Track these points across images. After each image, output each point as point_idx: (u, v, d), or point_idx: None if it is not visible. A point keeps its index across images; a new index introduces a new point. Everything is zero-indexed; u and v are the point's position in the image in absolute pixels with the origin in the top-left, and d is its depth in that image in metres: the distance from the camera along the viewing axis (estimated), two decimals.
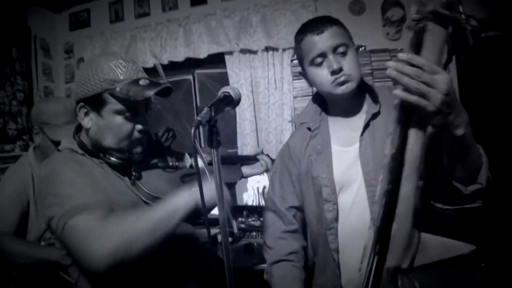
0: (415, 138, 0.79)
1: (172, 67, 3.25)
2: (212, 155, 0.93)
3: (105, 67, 1.17)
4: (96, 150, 1.23)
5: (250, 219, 2.80)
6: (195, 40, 3.11)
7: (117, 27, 3.34)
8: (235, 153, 3.12)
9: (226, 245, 0.95)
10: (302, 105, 2.91)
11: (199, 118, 0.86)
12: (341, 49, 1.24)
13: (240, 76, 3.05)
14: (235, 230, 1.32)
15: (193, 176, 1.37)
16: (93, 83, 1.16)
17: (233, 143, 3.15)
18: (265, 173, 2.70)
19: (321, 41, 1.24)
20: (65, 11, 3.55)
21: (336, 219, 1.30)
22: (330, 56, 1.24)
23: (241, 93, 1.09)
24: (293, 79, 2.91)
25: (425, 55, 0.78)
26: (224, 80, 3.14)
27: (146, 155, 1.32)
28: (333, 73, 1.23)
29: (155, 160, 1.35)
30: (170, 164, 1.36)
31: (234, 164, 1.58)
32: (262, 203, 2.78)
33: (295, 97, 2.92)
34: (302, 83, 2.87)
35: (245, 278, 1.92)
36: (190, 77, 3.37)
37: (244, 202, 2.83)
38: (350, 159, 1.29)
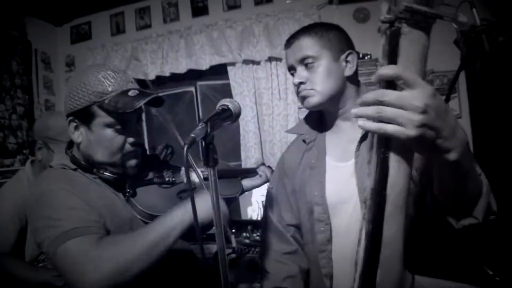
0: (397, 169, 0.64)
1: (174, 79, 3.20)
2: (208, 175, 0.85)
3: (93, 79, 1.13)
4: (89, 165, 1.18)
5: (254, 234, 2.70)
6: (196, 51, 3.06)
7: (118, 39, 3.31)
8: (238, 166, 3.05)
9: (223, 262, 0.86)
10: None
11: (192, 136, 0.78)
12: (307, 61, 1.18)
13: (243, 87, 2.99)
14: (234, 244, 1.25)
15: (191, 191, 1.31)
16: (81, 96, 1.12)
17: (237, 155, 3.07)
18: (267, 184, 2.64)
19: (290, 54, 1.22)
20: (66, 24, 3.53)
21: (329, 240, 1.20)
22: (298, 69, 1.21)
23: (241, 106, 1.01)
24: None
25: (402, 66, 0.63)
26: (227, 91, 3.08)
27: (141, 170, 1.25)
28: (296, 86, 1.21)
29: (150, 176, 1.28)
30: (166, 179, 1.29)
31: (234, 177, 1.51)
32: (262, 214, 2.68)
33: (300, 108, 2.85)
34: None
35: None
36: (192, 89, 3.31)
37: (249, 217, 2.74)
38: (345, 175, 1.19)
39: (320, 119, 1.33)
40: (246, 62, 2.96)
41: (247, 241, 2.67)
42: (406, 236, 0.66)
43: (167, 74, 3.15)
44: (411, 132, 0.60)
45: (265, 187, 2.66)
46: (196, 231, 0.89)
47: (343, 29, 1.27)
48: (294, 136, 2.78)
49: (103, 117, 1.12)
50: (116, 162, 1.16)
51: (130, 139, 1.16)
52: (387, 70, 0.61)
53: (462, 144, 0.66)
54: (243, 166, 3.01)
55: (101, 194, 1.15)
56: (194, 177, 1.35)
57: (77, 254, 0.98)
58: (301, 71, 1.19)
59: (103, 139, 1.14)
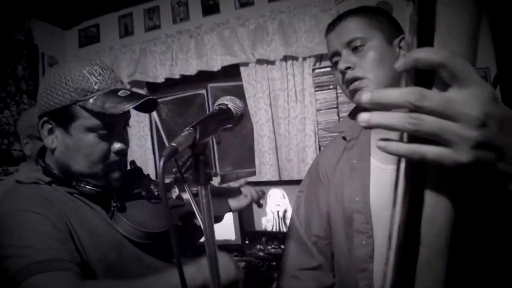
0: (436, 201, 0.45)
1: (184, 81, 3.05)
2: (199, 194, 0.66)
3: (77, 74, 0.95)
4: (65, 177, 1.00)
5: (269, 247, 2.52)
6: (207, 51, 2.89)
7: (127, 41, 3.17)
8: (252, 173, 2.86)
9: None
10: (326, 119, 2.64)
11: (173, 145, 0.59)
12: (355, 44, 0.99)
13: (257, 88, 2.80)
14: None
15: (181, 208, 1.13)
16: (60, 93, 0.94)
17: (251, 162, 2.89)
18: (284, 192, 2.45)
19: (334, 38, 1.04)
20: (75, 27, 3.42)
21: (371, 257, 0.99)
22: (343, 54, 1.01)
23: (244, 106, 0.82)
24: (316, 91, 2.63)
25: (441, 44, 0.42)
26: (240, 93, 2.90)
27: (127, 183, 1.08)
28: (342, 74, 1.00)
29: (137, 190, 1.11)
30: (156, 193, 1.12)
31: (219, 196, 1.37)
32: (283, 229, 2.48)
33: (318, 110, 2.65)
34: (325, 95, 2.60)
35: None
36: (203, 91, 3.15)
37: (263, 228, 2.55)
38: (393, 180, 0.98)
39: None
40: (259, 62, 2.78)
41: (261, 254, 2.49)
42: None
43: (177, 76, 2.99)
44: (464, 156, 0.40)
45: (280, 196, 2.51)
46: None
47: (391, 15, 1.08)
48: (312, 141, 2.62)
49: (85, 119, 0.95)
50: (97, 173, 0.99)
51: (116, 147, 0.99)
52: (427, 54, 0.40)
53: None
54: (257, 173, 2.83)
55: (81, 216, 0.97)
56: (184, 193, 1.21)
57: None
58: (347, 56, 1.00)
59: (83, 145, 0.96)
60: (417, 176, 0.45)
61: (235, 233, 2.57)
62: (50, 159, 1.03)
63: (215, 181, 3.00)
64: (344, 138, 1.13)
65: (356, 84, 0.98)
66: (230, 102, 0.79)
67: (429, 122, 0.40)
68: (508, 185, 0.45)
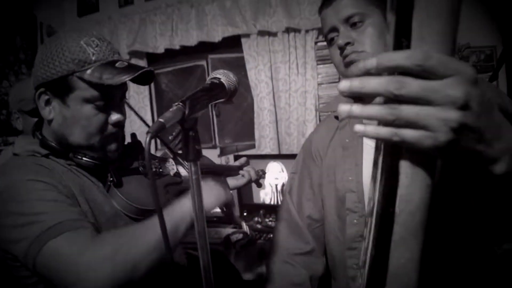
0: (411, 178, 0.45)
1: (184, 52, 3.00)
2: (189, 170, 0.65)
3: (74, 45, 0.93)
4: (63, 149, 0.99)
5: (267, 219, 2.54)
6: (208, 22, 2.84)
7: (126, 11, 3.10)
8: (252, 145, 2.86)
9: (205, 266, 0.68)
10: (328, 93, 2.61)
11: (161, 120, 0.57)
12: (354, 19, 0.95)
13: (258, 61, 2.76)
14: (246, 229, 1.11)
15: (179, 185, 1.13)
16: (57, 63, 0.92)
17: (251, 135, 2.88)
18: (284, 167, 2.45)
19: (331, 13, 0.99)
20: None
21: (361, 236, 1.00)
22: (341, 30, 0.97)
23: (238, 80, 0.80)
24: (318, 64, 2.59)
25: (420, 22, 0.41)
26: (240, 65, 2.86)
27: (125, 157, 1.08)
28: (341, 50, 0.96)
29: (135, 165, 1.11)
30: (153, 170, 1.11)
31: (218, 175, 1.36)
32: (280, 202, 2.50)
33: (319, 84, 2.61)
34: (327, 68, 2.56)
35: (260, 286, 1.68)
36: (204, 62, 3.10)
37: (261, 200, 2.57)
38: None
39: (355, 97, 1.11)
40: (261, 33, 2.72)
41: (258, 226, 2.51)
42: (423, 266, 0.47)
43: (177, 47, 2.94)
44: (443, 137, 0.40)
45: (279, 170, 2.51)
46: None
47: None
48: (313, 115, 2.61)
49: (82, 90, 0.93)
50: (94, 145, 0.98)
51: (113, 118, 0.98)
52: (400, 61, 0.40)
53: None
54: (256, 146, 2.82)
55: (81, 186, 0.98)
56: (182, 170, 1.20)
57: (70, 253, 0.80)
58: (346, 32, 0.96)
59: (80, 117, 0.95)
60: (393, 155, 0.45)
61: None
62: (48, 131, 1.02)
63: (215, 153, 3.00)
64: (336, 118, 1.12)
65: (353, 56, 0.95)
66: (223, 76, 0.77)
67: (407, 111, 0.41)
68: (488, 167, 0.46)
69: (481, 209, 0.57)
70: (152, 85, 3.24)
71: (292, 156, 2.48)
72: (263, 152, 2.77)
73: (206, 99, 0.70)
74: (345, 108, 0.45)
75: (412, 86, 0.40)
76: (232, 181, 1.38)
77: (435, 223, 0.49)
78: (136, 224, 0.89)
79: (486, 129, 0.43)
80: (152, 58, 3.14)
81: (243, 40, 2.78)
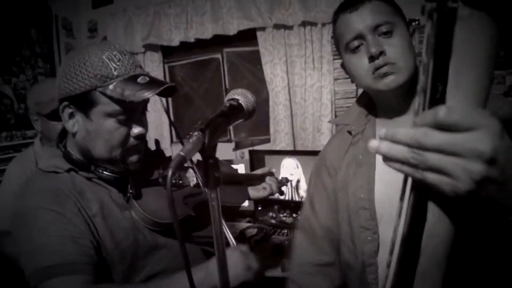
0: (437, 216, 0.48)
1: (199, 45, 2.97)
2: (209, 197, 0.65)
3: (96, 60, 0.95)
4: (86, 161, 1.02)
5: (281, 215, 2.55)
6: (223, 15, 2.80)
7: (141, 3, 3.08)
8: (267, 140, 2.85)
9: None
10: (344, 88, 2.58)
11: (181, 154, 0.57)
12: (383, 29, 0.91)
13: (273, 54, 2.73)
14: None
15: (197, 197, 1.13)
16: (80, 78, 0.95)
17: (266, 129, 2.87)
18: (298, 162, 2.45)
19: (357, 19, 0.94)
20: None
21: (375, 252, 1.00)
22: (369, 38, 0.92)
23: (254, 100, 0.79)
24: (334, 59, 2.55)
25: (457, 70, 0.41)
26: (255, 59, 2.84)
27: (145, 167, 1.09)
28: (371, 59, 0.92)
29: (155, 175, 1.12)
30: (173, 181, 1.11)
31: (240, 184, 1.35)
32: (295, 197, 2.51)
33: (336, 79, 2.58)
34: None
35: (273, 285, 1.69)
36: (219, 56, 3.08)
37: (276, 196, 2.57)
38: (399, 176, 0.96)
39: (370, 105, 1.09)
40: (277, 27, 2.68)
41: (273, 221, 2.53)
42: None
43: (191, 40, 2.92)
44: (464, 187, 0.42)
45: (294, 166, 2.51)
46: None
47: None
48: (328, 110, 2.58)
49: (105, 105, 0.95)
50: (116, 158, 1.01)
51: (135, 132, 1.00)
52: (431, 120, 0.42)
53: None
54: (272, 140, 2.81)
55: (100, 202, 1.01)
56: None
57: None
58: (375, 40, 0.92)
59: (103, 131, 0.98)
60: (422, 194, 0.48)
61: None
62: (72, 142, 1.05)
63: (230, 147, 3.00)
64: (349, 133, 1.10)
65: (386, 69, 0.92)
66: (241, 96, 0.76)
67: (432, 159, 0.43)
68: (504, 214, 0.47)
69: (502, 248, 0.59)
70: (167, 78, 3.24)
71: (307, 153, 2.49)
72: (278, 147, 2.76)
73: (225, 123, 0.70)
74: (373, 144, 0.49)
75: (436, 138, 0.42)
76: (252, 192, 1.38)
77: (457, 257, 0.52)
78: None
79: (508, 181, 0.43)
80: (167, 51, 3.13)
81: (258, 33, 2.75)
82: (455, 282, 0.59)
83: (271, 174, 1.49)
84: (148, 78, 0.96)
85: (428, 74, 0.43)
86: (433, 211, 0.48)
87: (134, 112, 1.00)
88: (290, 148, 2.74)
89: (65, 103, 1.00)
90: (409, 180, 0.49)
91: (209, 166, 0.65)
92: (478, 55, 0.41)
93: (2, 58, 2.68)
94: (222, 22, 2.81)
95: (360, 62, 0.95)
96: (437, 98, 0.43)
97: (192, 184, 1.18)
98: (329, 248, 1.14)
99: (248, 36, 2.80)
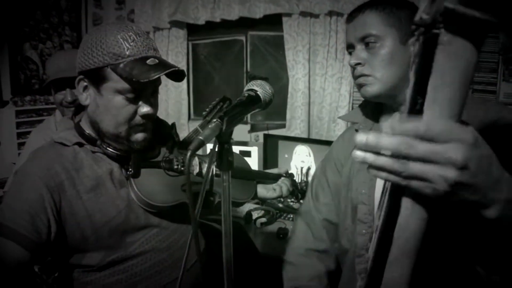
0: (410, 210, 0.53)
1: (224, 26, 2.99)
2: (221, 178, 0.71)
3: (111, 38, 1.01)
4: (94, 135, 1.09)
5: (289, 200, 2.59)
6: None
7: None
8: (282, 125, 2.88)
9: (228, 262, 0.75)
10: None
11: (200, 138, 0.62)
12: (369, 40, 0.97)
13: (297, 41, 2.74)
14: None
15: (198, 185, 1.16)
16: (95, 55, 1.01)
17: (282, 114, 2.90)
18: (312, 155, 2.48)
19: (350, 30, 1.03)
20: None
21: (368, 245, 1.06)
22: (357, 48, 1.00)
23: (272, 92, 0.83)
24: None
25: (434, 87, 0.48)
26: (279, 44, 2.85)
27: (152, 147, 1.15)
28: (352, 68, 1.02)
29: (159, 158, 1.16)
30: (175, 167, 1.15)
31: (251, 180, 1.35)
32: (304, 185, 2.54)
33: None
34: None
35: (276, 265, 1.75)
36: (243, 38, 3.10)
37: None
38: None
39: (379, 108, 1.13)
40: (303, 14, 2.68)
41: (280, 205, 2.57)
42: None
43: (217, 20, 2.94)
44: (441, 189, 0.49)
45: (306, 153, 2.54)
46: None
47: (415, 8, 1.03)
48: (346, 101, 2.59)
49: (115, 82, 1.01)
50: (121, 134, 1.06)
51: (142, 111, 1.05)
52: (409, 129, 0.48)
53: (506, 199, 0.53)
54: (287, 127, 2.84)
55: (96, 180, 1.07)
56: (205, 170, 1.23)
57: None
58: (360, 51, 0.99)
59: (111, 106, 1.03)
60: (398, 191, 0.54)
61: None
62: (84, 117, 1.12)
63: (245, 128, 3.04)
64: (357, 131, 1.14)
65: (361, 80, 0.99)
66: (259, 88, 0.80)
67: (415, 169, 0.49)
68: (480, 211, 0.54)
69: (474, 241, 0.67)
70: (190, 56, 3.27)
71: (321, 142, 2.52)
72: (293, 134, 2.79)
73: (242, 111, 0.75)
74: (358, 155, 0.53)
75: (419, 148, 0.48)
76: (261, 190, 1.40)
77: (430, 247, 0.58)
78: None
79: (482, 184, 0.50)
80: (192, 28, 3.15)
81: (284, 19, 2.75)
82: (426, 272, 0.66)
83: (287, 175, 1.50)
84: (157, 61, 1.01)
85: (410, 89, 0.50)
86: (406, 205, 0.53)
87: (143, 92, 1.04)
88: (305, 135, 2.77)
89: (81, 76, 1.06)
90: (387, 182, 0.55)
91: (224, 151, 0.70)
92: (454, 75, 0.46)
93: (31, 24, 2.74)
94: (249, 4, 2.82)
95: (351, 70, 1.04)
96: (416, 109, 0.49)
97: (195, 172, 1.21)
98: (326, 237, 1.20)
99: (274, 21, 2.81)
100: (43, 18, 2.82)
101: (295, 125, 2.82)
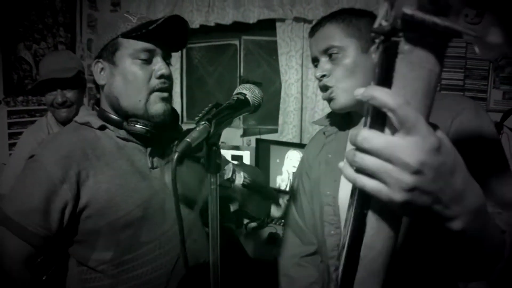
0: (376, 229, 0.50)
1: (219, 30, 3.00)
2: (208, 181, 0.71)
3: (119, 16, 1.07)
4: (118, 117, 1.08)
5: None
6: (245, 2, 2.83)
7: None
8: (274, 130, 2.89)
9: (214, 265, 0.75)
10: None
11: (188, 140, 0.62)
12: (331, 51, 0.99)
13: (290, 46, 2.75)
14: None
15: (225, 190, 1.15)
16: (107, 32, 1.06)
17: (274, 119, 2.90)
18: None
19: (312, 44, 1.06)
20: None
21: (338, 245, 1.06)
22: (321, 61, 1.02)
23: (261, 96, 0.84)
24: None
25: (394, 96, 0.44)
26: (272, 49, 2.86)
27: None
28: (319, 81, 1.03)
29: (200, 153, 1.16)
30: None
31: (266, 199, 1.33)
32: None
33: None
34: None
35: (266, 270, 1.76)
36: (237, 42, 3.11)
37: (277, 186, 2.62)
38: None
39: (345, 114, 1.14)
40: (297, 19, 2.70)
41: None
42: None
43: (212, 24, 2.96)
44: (396, 195, 0.45)
45: (298, 158, 2.54)
46: None
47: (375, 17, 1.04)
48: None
49: (126, 48, 1.03)
50: (140, 104, 1.05)
51: (158, 72, 1.05)
52: (382, 95, 0.43)
53: (471, 211, 0.50)
54: (279, 131, 2.85)
55: (117, 170, 1.05)
56: (238, 179, 1.25)
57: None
58: (324, 63, 1.01)
59: (126, 72, 1.04)
60: (363, 205, 0.50)
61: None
62: (104, 102, 1.11)
63: (238, 133, 3.05)
64: (324, 134, 1.16)
65: (327, 94, 1.01)
66: (248, 91, 0.81)
67: (368, 162, 0.46)
68: (444, 223, 0.50)
69: (443, 252, 0.62)
70: (184, 59, 3.28)
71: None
72: (285, 138, 2.80)
73: (231, 114, 0.75)
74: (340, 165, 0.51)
75: (375, 141, 0.45)
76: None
77: (397, 266, 0.55)
78: None
79: (443, 193, 0.46)
80: None
81: (278, 24, 2.77)
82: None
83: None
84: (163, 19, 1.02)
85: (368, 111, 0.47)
86: (371, 224, 0.50)
87: (155, 53, 1.05)
88: (297, 140, 2.78)
89: (96, 59, 1.09)
90: (356, 192, 0.51)
91: (212, 153, 0.70)
92: (417, 86, 0.44)
93: (25, 24, 2.74)
94: (244, 9, 2.84)
95: (318, 83, 1.05)
96: (379, 121, 0.46)
97: (225, 177, 1.20)
98: (313, 237, 1.20)
99: (267, 26, 2.83)
100: (37, 19, 2.81)
101: (287, 130, 2.83)
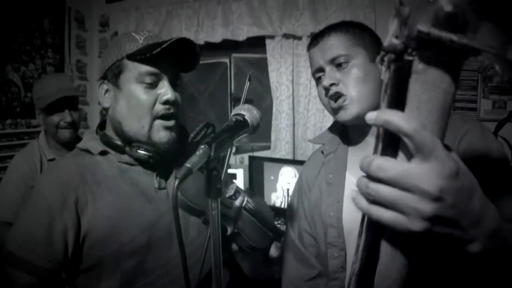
0: (391, 257, 0.47)
1: (208, 48, 3.00)
2: (209, 206, 0.68)
3: (125, 37, 1.04)
4: (121, 142, 1.04)
5: (276, 222, 2.56)
6: (234, 20, 2.84)
7: (153, 2, 3.12)
8: (267, 147, 2.88)
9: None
10: None
11: (188, 166, 0.60)
12: (339, 61, 0.98)
13: (280, 63, 2.75)
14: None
15: (226, 210, 1.11)
16: (112, 53, 1.02)
17: (267, 136, 2.89)
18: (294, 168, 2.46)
19: (317, 53, 1.03)
20: None
21: (343, 268, 1.04)
22: (327, 70, 1.00)
23: (260, 116, 0.82)
24: None
25: (409, 120, 0.42)
26: (263, 66, 2.86)
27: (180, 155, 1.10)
28: (326, 90, 0.99)
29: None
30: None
31: (268, 231, 1.27)
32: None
33: None
34: None
35: None
36: (227, 60, 3.11)
37: (272, 203, 2.60)
38: None
39: (344, 131, 1.13)
40: (286, 36, 2.71)
41: None
42: None
43: (201, 42, 2.95)
44: (416, 225, 0.43)
45: (292, 175, 2.52)
46: None
47: (374, 31, 1.06)
48: (330, 122, 2.60)
49: (131, 71, 0.99)
50: (144, 130, 1.00)
51: (162, 97, 1.00)
52: (397, 119, 0.41)
53: (489, 232, 0.48)
54: (272, 148, 2.83)
55: (119, 194, 1.00)
56: (239, 200, 1.18)
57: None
58: (332, 72, 0.99)
59: (130, 96, 1.00)
60: (375, 234, 0.48)
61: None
62: (108, 126, 1.08)
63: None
64: (322, 152, 1.14)
65: (340, 102, 0.98)
66: (247, 112, 0.79)
67: (384, 193, 0.43)
68: (462, 247, 0.48)
69: (461, 276, 0.60)
70: None
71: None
72: (278, 155, 2.78)
73: (230, 137, 0.73)
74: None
75: (391, 170, 0.42)
76: (274, 251, 1.29)
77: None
78: None
79: (462, 217, 0.44)
80: None
81: (267, 41, 2.78)
82: None
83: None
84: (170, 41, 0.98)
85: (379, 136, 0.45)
86: (386, 251, 0.48)
87: (161, 77, 1.00)
88: (290, 157, 2.76)
89: (101, 81, 1.06)
90: (366, 219, 0.49)
91: (213, 177, 0.68)
92: (431, 107, 0.42)
93: (14, 46, 2.71)
94: (233, 27, 2.85)
95: (322, 92, 1.03)
96: (390, 142, 0.44)
97: (227, 195, 1.16)
98: (314, 261, 1.17)
99: (257, 43, 2.84)
100: (25, 40, 2.79)
101: (280, 146, 2.81)
